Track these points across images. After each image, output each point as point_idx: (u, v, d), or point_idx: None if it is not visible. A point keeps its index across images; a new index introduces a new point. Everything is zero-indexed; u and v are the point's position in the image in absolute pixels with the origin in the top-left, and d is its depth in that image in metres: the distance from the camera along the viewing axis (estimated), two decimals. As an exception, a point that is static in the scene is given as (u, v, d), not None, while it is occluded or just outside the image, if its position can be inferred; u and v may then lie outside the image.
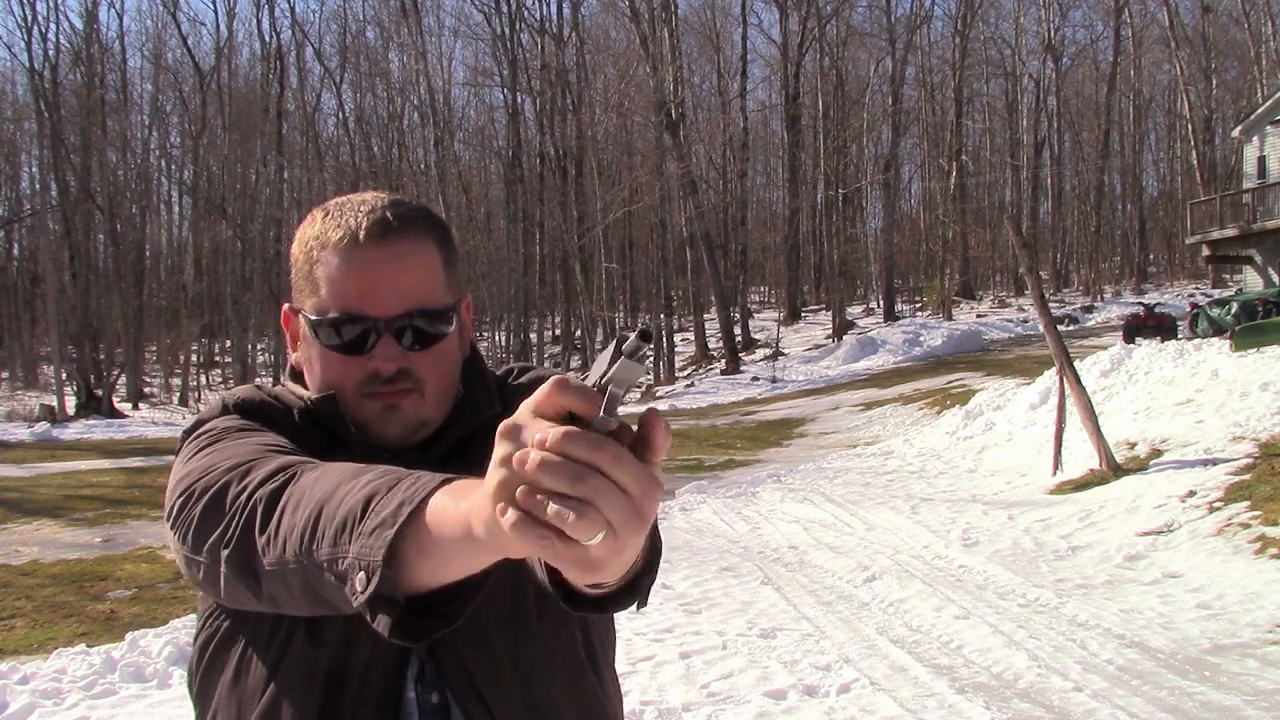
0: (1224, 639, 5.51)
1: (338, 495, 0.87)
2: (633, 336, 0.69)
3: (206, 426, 1.12)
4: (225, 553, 0.94)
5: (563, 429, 0.65)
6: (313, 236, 1.11)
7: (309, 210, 1.19)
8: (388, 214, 1.10)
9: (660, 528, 1.19)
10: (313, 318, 1.10)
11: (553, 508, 0.64)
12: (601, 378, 0.70)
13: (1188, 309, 25.93)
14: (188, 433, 1.13)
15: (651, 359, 0.89)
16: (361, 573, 0.81)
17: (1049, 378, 13.12)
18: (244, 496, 0.94)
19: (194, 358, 46.64)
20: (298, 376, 1.20)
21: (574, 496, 0.64)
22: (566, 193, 40.18)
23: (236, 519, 0.94)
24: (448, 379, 1.13)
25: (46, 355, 40.70)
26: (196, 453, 1.06)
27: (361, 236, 1.08)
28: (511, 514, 0.67)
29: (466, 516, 0.74)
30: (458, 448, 1.15)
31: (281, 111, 43.58)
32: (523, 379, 1.26)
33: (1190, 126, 43.47)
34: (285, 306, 1.17)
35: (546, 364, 42.91)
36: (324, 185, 46.38)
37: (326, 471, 0.92)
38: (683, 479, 12.77)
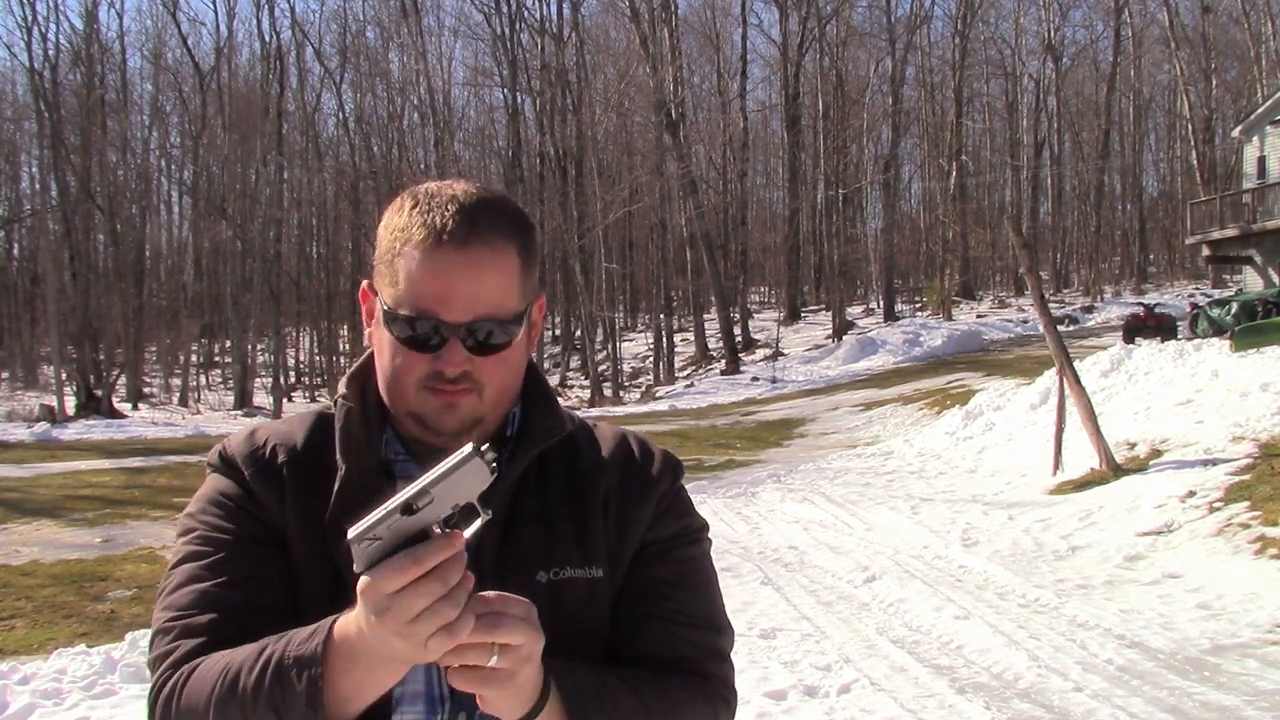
0: (1224, 639, 5.51)
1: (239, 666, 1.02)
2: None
3: (199, 495, 1.21)
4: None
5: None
6: (399, 227, 1.12)
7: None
8: (474, 217, 1.10)
9: None
10: (388, 308, 1.12)
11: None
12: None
13: (1188, 309, 25.95)
14: (213, 455, 1.23)
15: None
16: (302, 672, 0.97)
17: (1049, 378, 13.11)
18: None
19: (194, 358, 46.65)
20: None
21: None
22: (566, 193, 40.16)
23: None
24: (509, 380, 1.16)
25: (46, 355, 40.69)
26: (182, 533, 1.19)
27: (444, 239, 1.09)
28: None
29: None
30: (538, 473, 1.19)
31: (281, 111, 43.52)
32: (603, 428, 1.30)
33: (1190, 126, 43.46)
34: (365, 283, 1.19)
35: (546, 364, 43.16)
36: (324, 185, 46.39)
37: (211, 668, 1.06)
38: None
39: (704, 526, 1.28)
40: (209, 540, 1.15)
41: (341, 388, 1.20)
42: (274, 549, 1.15)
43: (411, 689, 1.12)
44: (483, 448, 0.91)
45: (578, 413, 1.33)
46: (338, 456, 1.16)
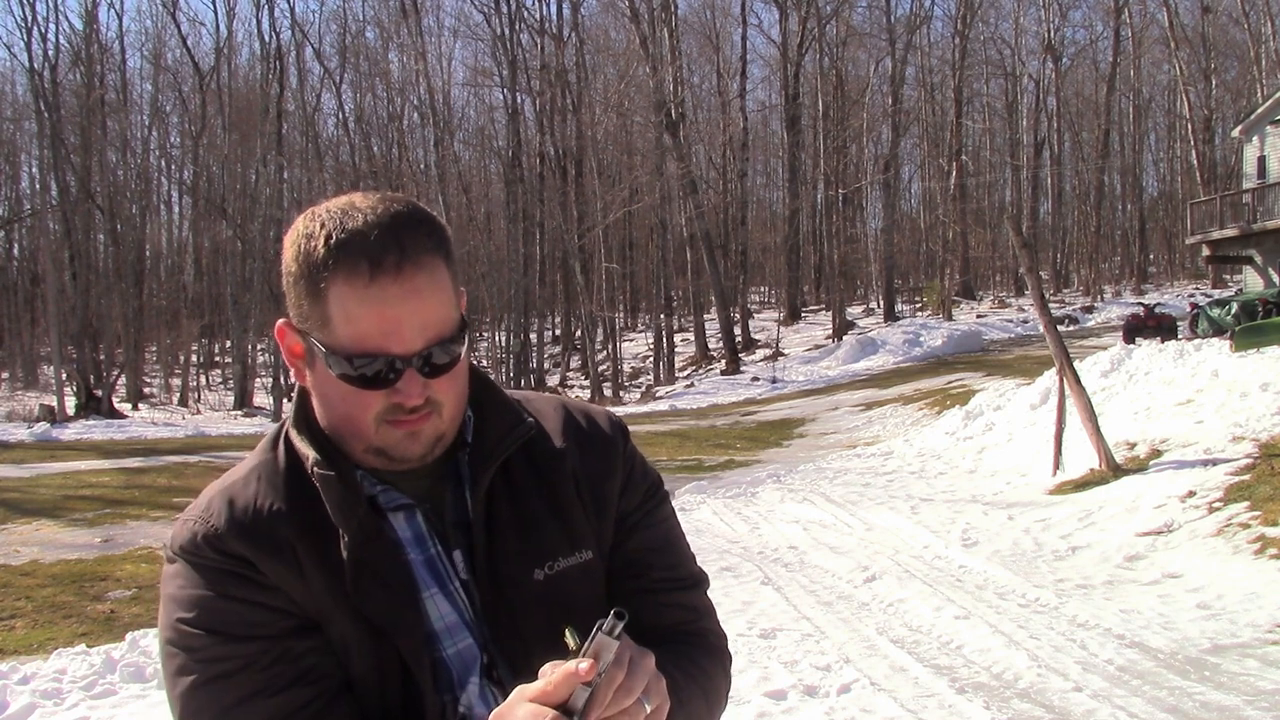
0: (1224, 639, 5.51)
1: None
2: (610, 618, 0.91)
3: (181, 599, 1.07)
4: None
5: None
6: (316, 262, 1.04)
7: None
8: (399, 239, 1.04)
9: None
10: (326, 350, 1.06)
11: None
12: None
13: (1188, 309, 25.92)
14: (169, 553, 1.11)
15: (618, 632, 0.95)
16: None
17: (1049, 378, 13.11)
18: None
19: (194, 358, 46.61)
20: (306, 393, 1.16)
21: None
22: (566, 193, 40.17)
23: None
24: (462, 389, 1.13)
25: (46, 355, 40.68)
26: (180, 649, 1.06)
27: (377, 274, 1.02)
28: None
29: None
30: (501, 471, 1.17)
31: (281, 111, 43.53)
32: (539, 403, 1.28)
33: (1190, 126, 43.46)
34: (282, 322, 1.11)
35: (546, 364, 43.15)
36: (324, 185, 46.37)
37: None
38: (683, 479, 12.76)
39: (661, 480, 1.31)
40: (223, 662, 1.04)
41: (305, 450, 1.12)
42: (299, 637, 1.07)
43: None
44: (608, 623, 0.91)
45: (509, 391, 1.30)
46: (336, 521, 1.09)
